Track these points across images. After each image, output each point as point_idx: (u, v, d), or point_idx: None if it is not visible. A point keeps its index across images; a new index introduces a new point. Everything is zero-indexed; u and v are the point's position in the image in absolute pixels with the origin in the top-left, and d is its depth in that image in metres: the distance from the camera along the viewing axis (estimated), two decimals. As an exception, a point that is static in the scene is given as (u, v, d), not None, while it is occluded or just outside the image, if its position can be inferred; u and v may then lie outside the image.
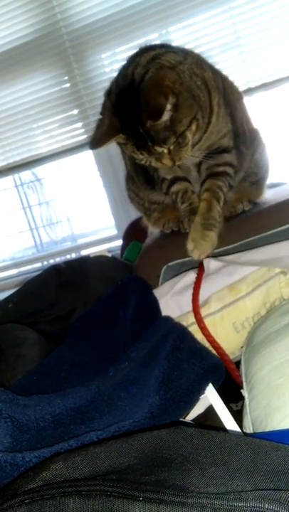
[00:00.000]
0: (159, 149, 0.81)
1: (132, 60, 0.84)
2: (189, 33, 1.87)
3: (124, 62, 0.88)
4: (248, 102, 1.07)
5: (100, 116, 0.85)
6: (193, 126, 0.83)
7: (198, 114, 0.83)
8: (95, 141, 0.84)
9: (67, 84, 2.02)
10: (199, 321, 0.75)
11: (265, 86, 1.82)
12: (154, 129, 0.79)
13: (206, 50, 1.85)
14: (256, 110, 1.05)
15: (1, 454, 0.48)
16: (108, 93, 0.86)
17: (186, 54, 0.88)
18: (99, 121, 0.85)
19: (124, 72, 0.84)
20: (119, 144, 0.85)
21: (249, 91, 1.81)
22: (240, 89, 1.77)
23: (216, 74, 0.95)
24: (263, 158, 1.04)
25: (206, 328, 0.74)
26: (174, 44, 1.84)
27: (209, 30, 1.84)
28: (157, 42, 1.91)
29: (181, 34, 1.89)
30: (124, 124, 0.81)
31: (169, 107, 0.78)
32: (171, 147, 0.81)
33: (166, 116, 0.78)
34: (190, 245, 0.85)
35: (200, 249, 0.85)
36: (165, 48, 0.86)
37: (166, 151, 0.81)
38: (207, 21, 1.84)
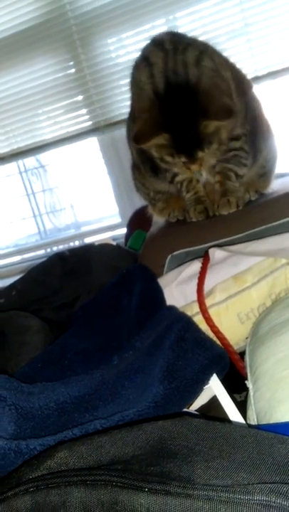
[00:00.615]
0: (201, 154, 0.81)
1: (174, 60, 0.81)
2: (197, 19, 1.84)
3: (156, 52, 0.84)
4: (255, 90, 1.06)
5: (138, 107, 0.83)
6: (229, 134, 0.83)
7: (237, 122, 0.84)
8: (142, 136, 0.81)
9: (73, 70, 2.00)
10: (204, 311, 0.74)
11: (272, 74, 1.80)
12: (205, 132, 0.78)
13: (213, 37, 1.83)
14: (263, 99, 1.03)
15: (5, 442, 0.48)
16: (153, 88, 0.82)
17: (211, 52, 0.87)
18: (142, 116, 0.82)
19: (172, 68, 0.80)
20: (153, 146, 0.83)
21: (256, 79, 1.79)
22: (248, 77, 1.76)
23: (232, 69, 0.94)
24: (272, 151, 1.03)
25: (210, 319, 0.74)
26: (181, 31, 1.83)
27: (217, 17, 1.81)
28: (164, 28, 1.88)
29: (188, 20, 1.86)
30: (172, 123, 0.79)
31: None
32: (212, 152, 0.82)
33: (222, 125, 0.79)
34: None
35: (224, 207, 0.89)
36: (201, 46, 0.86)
37: (203, 156, 0.81)
38: (215, 7, 1.81)
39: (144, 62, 0.86)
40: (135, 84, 0.89)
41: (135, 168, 1.06)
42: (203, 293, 0.77)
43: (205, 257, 0.82)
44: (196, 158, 0.82)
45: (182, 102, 0.79)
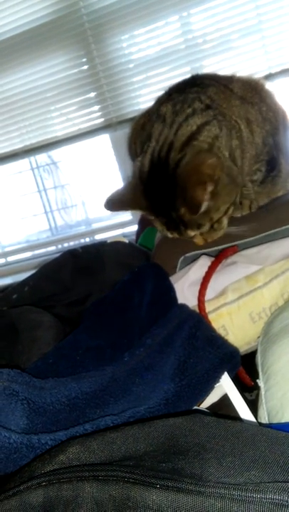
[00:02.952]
0: (192, 233, 0.79)
1: (164, 138, 0.78)
2: (210, 16, 1.83)
3: (157, 124, 0.80)
4: (272, 89, 1.03)
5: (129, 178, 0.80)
6: (230, 210, 0.80)
7: (236, 197, 0.80)
8: (110, 204, 0.81)
9: (86, 67, 2.00)
10: (201, 309, 0.75)
11: (286, 71, 1.79)
12: (189, 218, 0.76)
13: (226, 34, 1.82)
14: (277, 96, 1.01)
15: (17, 436, 0.48)
16: (139, 167, 0.80)
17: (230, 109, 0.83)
18: (125, 185, 0.81)
19: (157, 150, 0.78)
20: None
21: (270, 76, 1.78)
22: (261, 74, 1.75)
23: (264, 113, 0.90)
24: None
25: (206, 317, 0.74)
26: (194, 28, 1.82)
27: (231, 14, 1.80)
28: (177, 25, 1.87)
29: (202, 17, 1.85)
30: (154, 205, 0.78)
31: (207, 197, 0.74)
32: (205, 231, 0.79)
33: (203, 207, 0.75)
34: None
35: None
36: (201, 119, 0.79)
37: (198, 234, 0.79)
38: (229, 4, 1.80)
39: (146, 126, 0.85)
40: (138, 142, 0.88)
41: None
42: (205, 292, 0.77)
43: (217, 258, 0.81)
44: (188, 236, 0.80)
45: (162, 186, 0.76)
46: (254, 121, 0.88)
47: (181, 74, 1.88)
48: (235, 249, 0.81)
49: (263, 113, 0.90)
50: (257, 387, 0.63)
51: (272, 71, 1.80)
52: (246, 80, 0.96)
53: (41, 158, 2.34)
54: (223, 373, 0.63)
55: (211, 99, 0.84)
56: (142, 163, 0.80)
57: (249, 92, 0.91)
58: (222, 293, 0.77)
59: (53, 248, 2.35)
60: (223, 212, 0.79)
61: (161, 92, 0.97)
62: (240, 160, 0.83)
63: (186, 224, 0.78)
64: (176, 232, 0.81)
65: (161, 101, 0.90)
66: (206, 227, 0.79)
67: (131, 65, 1.95)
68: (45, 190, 2.38)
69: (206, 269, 0.81)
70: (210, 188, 0.74)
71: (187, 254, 0.88)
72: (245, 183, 0.88)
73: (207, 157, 0.75)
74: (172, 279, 0.82)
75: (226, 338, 0.71)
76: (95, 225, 2.35)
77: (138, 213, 1.67)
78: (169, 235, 0.82)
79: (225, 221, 0.80)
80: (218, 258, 0.80)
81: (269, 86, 0.99)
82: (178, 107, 0.82)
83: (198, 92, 0.84)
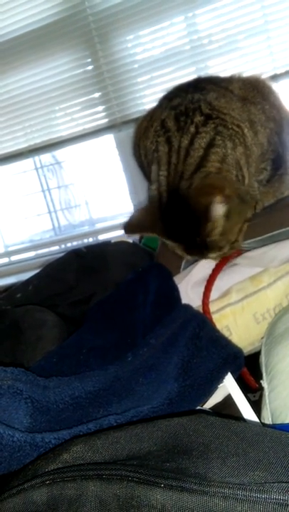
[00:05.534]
0: (214, 255, 0.80)
1: (174, 168, 0.79)
2: (216, 17, 1.83)
3: (163, 144, 0.81)
4: (274, 86, 1.03)
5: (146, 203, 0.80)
6: (245, 227, 0.81)
7: (249, 213, 0.82)
8: (129, 227, 0.82)
9: (90, 67, 2.00)
10: (206, 312, 0.75)
11: (291, 73, 1.79)
12: (211, 238, 0.77)
13: (232, 35, 1.82)
14: (282, 97, 1.01)
15: (21, 434, 0.48)
16: (156, 196, 0.80)
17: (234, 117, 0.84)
18: (142, 210, 0.81)
19: (170, 180, 0.79)
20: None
21: (275, 77, 1.78)
22: (266, 75, 1.75)
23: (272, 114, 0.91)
24: None
25: (212, 320, 0.74)
26: (200, 28, 1.82)
27: (236, 14, 1.80)
28: (183, 26, 1.87)
29: (208, 18, 1.85)
30: (173, 232, 0.78)
31: (220, 211, 0.75)
32: (226, 252, 0.80)
33: (219, 224, 0.76)
34: None
35: None
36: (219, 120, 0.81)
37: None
38: (235, 5, 1.80)
39: (156, 154, 0.84)
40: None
41: None
42: (209, 294, 0.77)
43: (221, 260, 0.81)
44: (209, 257, 0.80)
45: (180, 211, 0.77)
46: (257, 121, 0.88)
47: (186, 74, 1.88)
48: (239, 252, 0.81)
49: (266, 112, 0.90)
50: (260, 388, 0.63)
51: (278, 72, 1.79)
52: (247, 79, 0.96)
53: (45, 158, 2.35)
54: (226, 374, 0.63)
55: (211, 106, 0.84)
56: (159, 191, 0.80)
57: (251, 92, 0.91)
58: (226, 293, 0.77)
59: (56, 248, 2.36)
60: (237, 232, 0.80)
61: (165, 93, 0.97)
62: (245, 167, 0.84)
63: (208, 247, 0.78)
64: (196, 255, 0.81)
65: (162, 106, 0.89)
66: (226, 249, 0.80)
67: (136, 66, 1.95)
68: (49, 190, 2.38)
69: (209, 268, 0.81)
70: (219, 197, 0.74)
71: (190, 256, 0.88)
72: (251, 184, 0.88)
73: (215, 181, 0.77)
74: (176, 279, 0.82)
75: (229, 338, 0.71)
76: (99, 225, 2.35)
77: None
78: (188, 257, 0.83)
79: (241, 238, 0.82)
80: (222, 261, 0.80)
81: (269, 82, 0.99)
82: (181, 122, 0.82)
83: (199, 101, 0.85)
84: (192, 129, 0.81)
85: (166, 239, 0.81)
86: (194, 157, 0.78)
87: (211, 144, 0.79)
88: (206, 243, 0.77)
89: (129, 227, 0.82)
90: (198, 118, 0.81)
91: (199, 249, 0.79)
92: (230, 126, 0.82)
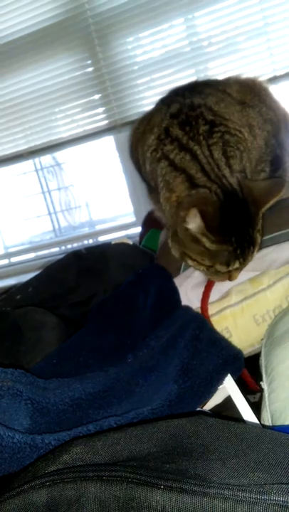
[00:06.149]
0: (251, 257, 0.79)
1: (210, 167, 0.79)
2: (215, 19, 1.83)
3: (188, 162, 0.80)
4: (270, 87, 1.03)
5: (197, 208, 0.75)
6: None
7: None
8: (214, 230, 0.76)
9: (90, 69, 2.01)
10: (205, 311, 0.75)
11: (291, 74, 1.79)
12: (257, 228, 0.78)
13: (231, 37, 1.82)
14: (281, 99, 1.01)
15: (21, 436, 0.48)
16: (213, 193, 0.78)
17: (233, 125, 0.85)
18: (200, 211, 0.75)
19: (218, 181, 0.78)
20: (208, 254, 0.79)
21: (275, 79, 1.78)
22: (266, 77, 1.75)
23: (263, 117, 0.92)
24: None
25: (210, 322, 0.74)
26: (199, 30, 1.82)
27: (236, 16, 1.81)
28: (182, 28, 1.88)
29: (207, 20, 1.85)
30: (229, 228, 0.76)
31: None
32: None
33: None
34: None
35: None
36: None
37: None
38: (234, 6, 1.80)
39: (167, 162, 0.83)
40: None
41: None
42: (208, 300, 0.77)
43: None
44: (247, 262, 0.79)
45: (236, 207, 0.77)
46: (256, 125, 0.88)
47: (186, 76, 1.88)
48: None
49: (263, 114, 0.91)
50: (260, 390, 0.63)
51: (277, 74, 1.80)
52: (243, 82, 0.96)
53: (45, 159, 2.35)
54: (226, 375, 0.63)
55: (213, 112, 0.84)
56: (212, 191, 0.78)
57: (248, 95, 0.92)
58: (226, 295, 0.77)
59: (56, 249, 2.36)
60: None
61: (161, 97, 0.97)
62: (249, 169, 0.84)
63: (254, 242, 0.78)
64: (238, 261, 0.78)
65: (161, 111, 0.89)
66: (259, 244, 0.80)
67: (136, 67, 1.95)
68: (49, 191, 2.38)
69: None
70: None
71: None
72: None
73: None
74: (176, 280, 0.82)
75: (229, 340, 0.71)
76: (99, 227, 2.35)
77: (142, 215, 1.67)
78: (224, 269, 0.79)
79: None
80: None
81: (265, 84, 0.99)
82: (189, 132, 0.82)
83: (199, 106, 0.84)
84: (202, 140, 0.81)
85: (220, 239, 0.77)
86: (222, 166, 0.79)
87: (226, 156, 0.80)
88: (253, 237, 0.77)
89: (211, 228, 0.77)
90: (202, 128, 0.81)
91: (246, 247, 0.77)
92: (233, 133, 0.83)
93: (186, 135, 0.82)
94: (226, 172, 0.79)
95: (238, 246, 0.76)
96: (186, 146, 0.81)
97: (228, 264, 0.77)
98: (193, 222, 0.74)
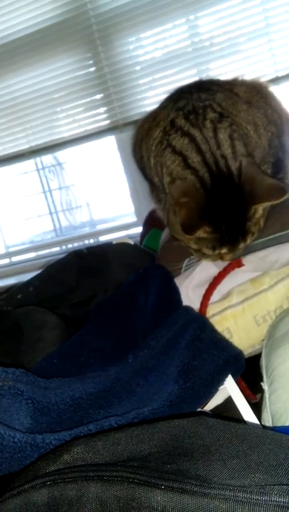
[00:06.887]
0: (243, 245, 0.79)
1: (212, 154, 0.78)
2: (217, 19, 1.83)
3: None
4: (275, 90, 1.04)
5: (182, 199, 0.76)
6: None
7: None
8: (190, 228, 0.76)
9: (92, 69, 2.01)
10: (204, 312, 0.75)
11: (293, 75, 1.79)
12: (250, 222, 0.77)
13: (233, 37, 1.82)
14: (283, 100, 1.02)
15: (22, 435, 0.48)
16: (198, 180, 0.77)
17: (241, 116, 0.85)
18: (182, 205, 0.76)
19: (213, 161, 0.78)
20: (194, 239, 0.79)
21: (276, 80, 1.78)
22: (268, 77, 1.75)
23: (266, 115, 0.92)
24: None
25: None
26: (201, 31, 1.82)
27: (238, 17, 1.81)
28: (184, 28, 1.88)
29: (209, 20, 1.85)
30: (217, 214, 0.76)
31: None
32: (251, 239, 0.80)
33: (259, 209, 0.78)
34: None
35: None
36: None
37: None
38: (236, 7, 1.80)
39: (170, 148, 0.82)
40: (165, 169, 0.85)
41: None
42: (208, 302, 0.77)
43: (223, 270, 0.81)
44: (238, 249, 0.79)
45: (227, 193, 0.76)
46: (261, 125, 0.88)
47: (188, 77, 1.88)
48: (240, 264, 0.81)
49: (268, 116, 0.91)
50: (261, 390, 0.63)
51: (279, 74, 1.80)
52: (250, 83, 0.96)
53: (47, 159, 2.35)
54: (227, 376, 0.63)
55: (222, 107, 0.84)
56: (198, 175, 0.78)
57: (255, 96, 0.92)
58: (227, 295, 0.77)
59: (57, 249, 2.36)
60: (262, 221, 0.81)
61: (166, 95, 0.97)
62: None
63: (245, 233, 0.78)
64: (226, 247, 0.78)
65: (167, 107, 0.89)
66: (255, 235, 0.80)
67: (138, 67, 1.95)
68: (50, 191, 2.39)
69: (210, 270, 0.81)
70: None
71: (192, 256, 0.88)
72: None
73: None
74: (177, 280, 0.82)
75: (230, 340, 0.71)
76: (100, 227, 2.36)
77: (143, 215, 1.67)
78: (212, 252, 0.79)
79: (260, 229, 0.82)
80: (225, 271, 0.80)
81: (270, 86, 0.99)
82: (192, 119, 0.82)
83: (208, 99, 0.84)
84: (208, 124, 0.80)
85: (207, 226, 0.77)
86: (225, 146, 0.78)
87: (232, 138, 0.79)
88: (245, 228, 0.77)
89: (188, 228, 0.76)
90: (211, 115, 0.81)
91: (236, 236, 0.77)
92: (240, 127, 0.83)
93: (189, 122, 0.82)
94: (228, 152, 0.78)
95: (227, 234, 0.76)
96: (187, 132, 0.81)
97: (214, 249, 0.78)
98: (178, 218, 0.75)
